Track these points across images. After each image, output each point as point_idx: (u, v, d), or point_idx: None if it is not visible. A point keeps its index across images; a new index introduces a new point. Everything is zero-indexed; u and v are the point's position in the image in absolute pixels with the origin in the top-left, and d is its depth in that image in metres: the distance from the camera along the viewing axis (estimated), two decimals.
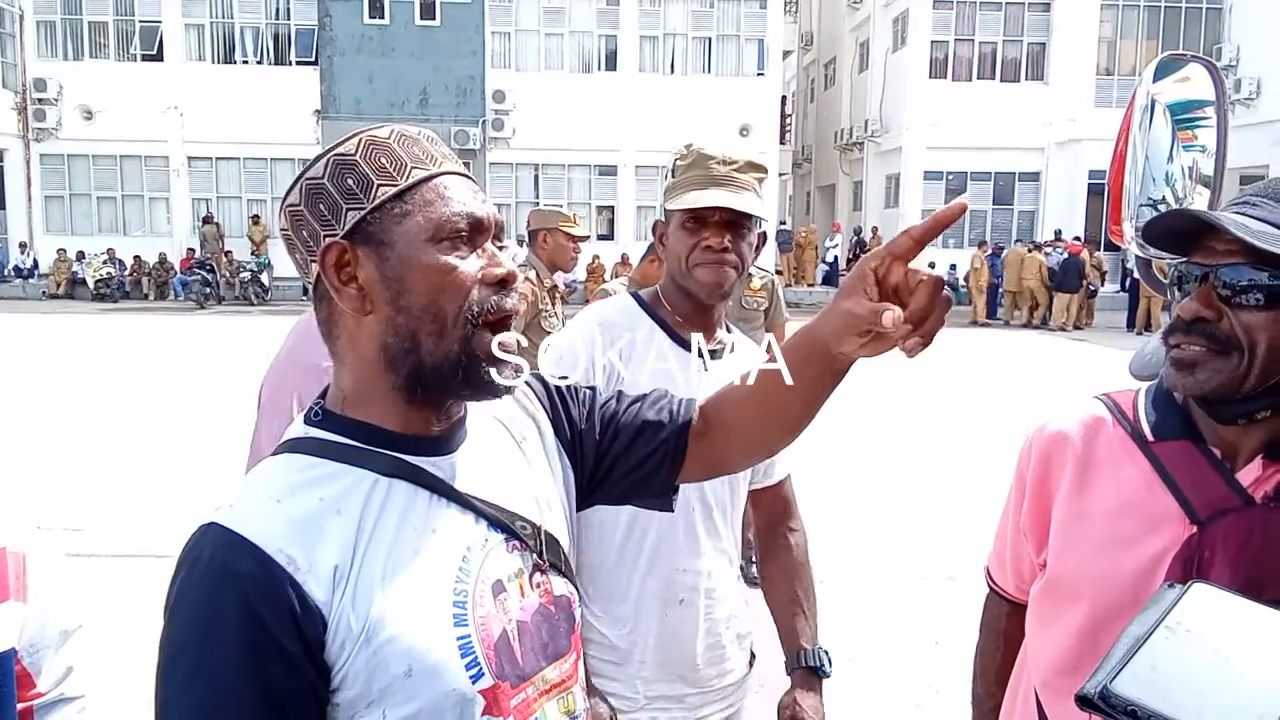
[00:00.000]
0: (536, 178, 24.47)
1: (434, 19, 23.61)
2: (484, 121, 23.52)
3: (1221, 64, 20.73)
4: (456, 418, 1.07)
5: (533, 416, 1.20)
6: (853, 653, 4.18)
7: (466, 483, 1.04)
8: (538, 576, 1.08)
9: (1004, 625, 1.51)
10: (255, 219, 23.75)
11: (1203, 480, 1.17)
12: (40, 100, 23.41)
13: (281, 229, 1.04)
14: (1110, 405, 1.30)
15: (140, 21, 23.75)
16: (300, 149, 23.82)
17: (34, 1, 23.46)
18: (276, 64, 24.14)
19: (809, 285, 24.77)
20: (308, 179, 1.00)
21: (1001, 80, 24.29)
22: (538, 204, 17.88)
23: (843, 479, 7.05)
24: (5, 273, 23.53)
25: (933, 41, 24.18)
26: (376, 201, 0.97)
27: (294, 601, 0.89)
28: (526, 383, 1.21)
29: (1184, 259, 1.18)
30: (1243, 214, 1.12)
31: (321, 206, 0.99)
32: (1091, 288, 19.61)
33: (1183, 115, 1.70)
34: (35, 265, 23.61)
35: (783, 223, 27.13)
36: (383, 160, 0.98)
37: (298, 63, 24.04)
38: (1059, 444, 1.31)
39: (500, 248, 1.04)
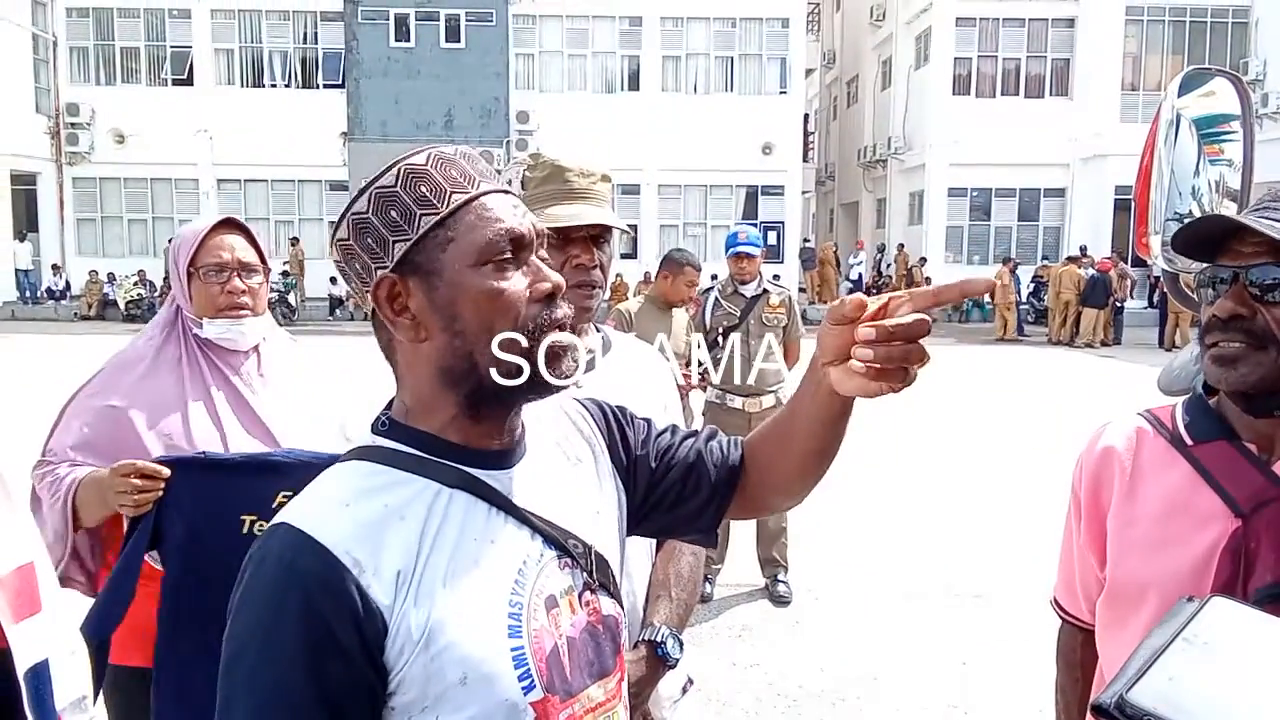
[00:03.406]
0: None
1: (459, 41, 23.85)
2: (508, 142, 23.69)
3: (1248, 78, 20.57)
4: (517, 434, 1.09)
5: (589, 440, 1.22)
6: (877, 671, 4.14)
7: (524, 498, 1.06)
8: (587, 595, 1.09)
9: (1080, 656, 1.51)
10: (294, 240, 23.97)
11: (1242, 475, 1.23)
12: (73, 124, 23.84)
13: (335, 261, 1.07)
14: (1150, 418, 1.36)
15: (171, 47, 24.19)
16: (327, 171, 24.14)
17: (67, 28, 23.95)
18: (304, 87, 24.47)
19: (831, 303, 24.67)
20: (354, 213, 1.02)
21: (1025, 96, 24.20)
22: None
23: (870, 495, 7.02)
24: (38, 294, 23.89)
25: (956, 58, 24.14)
26: (420, 232, 0.99)
27: (357, 602, 0.92)
28: (584, 406, 1.25)
29: (1210, 264, 1.24)
30: (1266, 218, 1.18)
31: (369, 240, 1.01)
32: (1118, 304, 19.41)
33: (1209, 130, 1.69)
34: (67, 287, 23.96)
35: (806, 240, 27.09)
36: (422, 189, 1.00)
37: (325, 86, 24.36)
38: (1106, 460, 1.36)
39: (543, 259, 1.05)
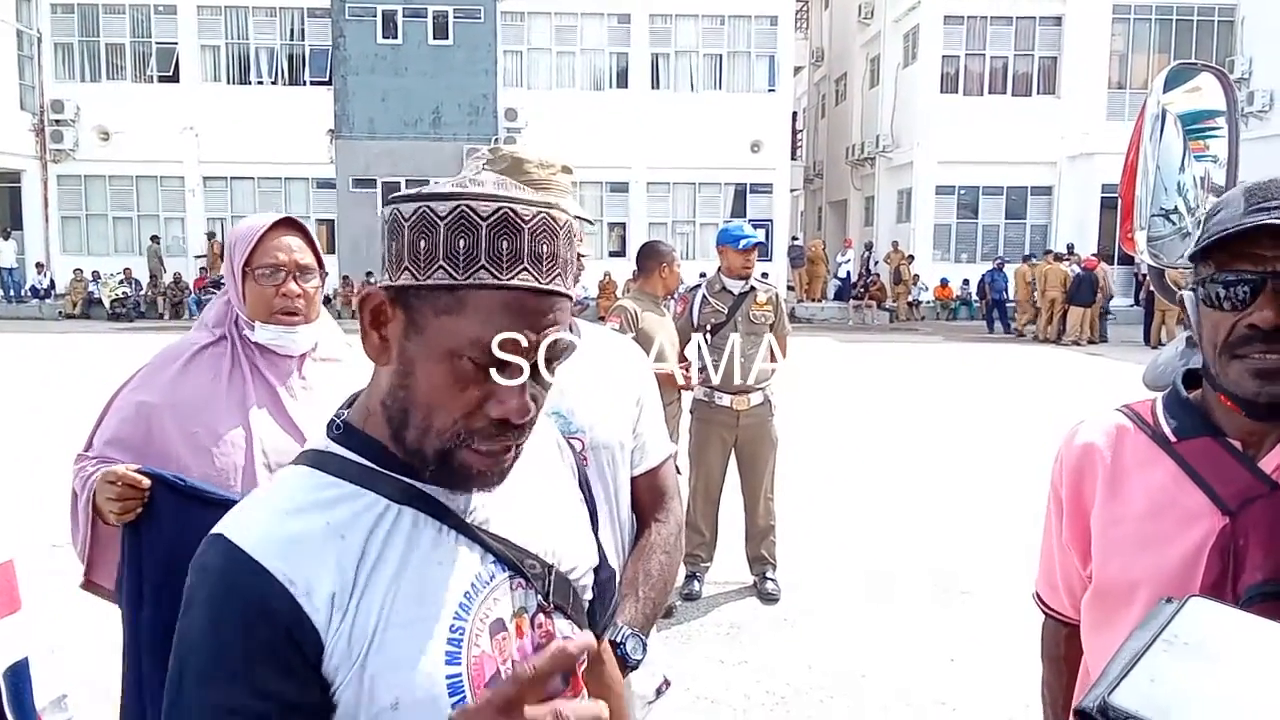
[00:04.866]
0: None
1: (446, 38, 23.78)
2: (496, 139, 23.60)
3: (1234, 77, 20.66)
4: None
5: (569, 467, 1.22)
6: (865, 668, 4.15)
7: (479, 515, 1.03)
8: (539, 617, 1.06)
9: (1063, 650, 1.51)
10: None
11: (1228, 472, 1.21)
12: (57, 121, 23.66)
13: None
14: (1130, 414, 1.34)
15: (157, 43, 24.03)
16: (314, 168, 24.04)
17: (51, 24, 23.77)
18: (291, 84, 24.35)
19: (820, 300, 24.74)
20: (397, 209, 0.95)
21: (1013, 94, 24.26)
22: None
23: (857, 492, 7.03)
24: (22, 293, 23.73)
25: (944, 56, 24.18)
26: (428, 281, 0.92)
27: (291, 619, 0.90)
28: (569, 445, 1.25)
29: (1213, 268, 1.18)
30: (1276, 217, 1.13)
31: (393, 245, 0.94)
32: (1107, 300, 19.50)
33: (1194, 125, 1.69)
34: (52, 285, 23.82)
35: (794, 238, 27.12)
36: (460, 243, 0.91)
37: (312, 83, 24.25)
38: (1087, 455, 1.34)
39: (553, 367, 0.97)
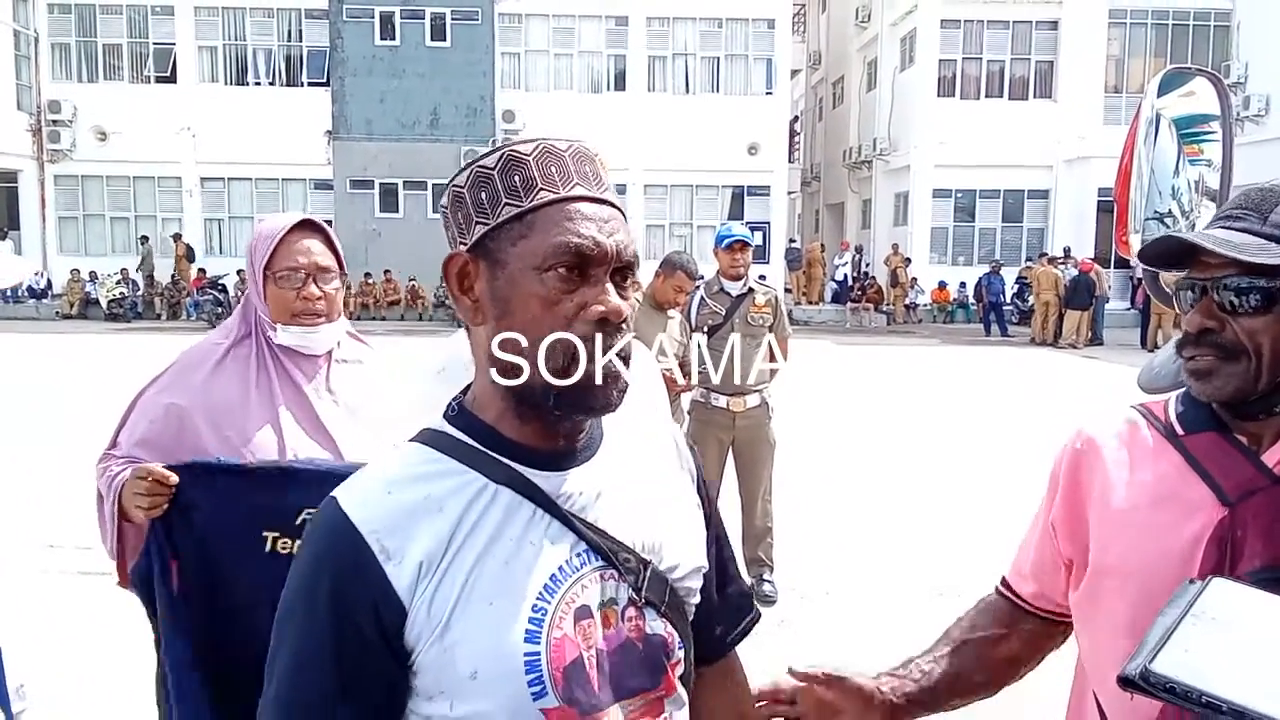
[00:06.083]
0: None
1: (444, 40, 23.79)
2: (494, 141, 23.61)
3: (1230, 81, 20.71)
4: (581, 438, 1.08)
5: (688, 472, 1.22)
6: (862, 669, 4.15)
7: (576, 502, 1.05)
8: (630, 611, 1.07)
9: (994, 615, 1.54)
10: None
11: (1231, 465, 1.23)
12: (55, 122, 23.65)
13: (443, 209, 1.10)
14: (1143, 411, 1.37)
15: (154, 44, 24.03)
16: (312, 169, 24.03)
17: (49, 24, 23.76)
18: (288, 85, 24.36)
19: (817, 303, 24.76)
20: (455, 185, 1.05)
21: (1010, 98, 24.32)
22: None
23: (854, 495, 7.04)
24: (19, 293, 23.67)
25: (940, 60, 24.24)
26: (498, 220, 1.00)
27: (377, 588, 0.97)
28: (692, 451, 1.25)
29: (1184, 273, 1.25)
30: (1227, 227, 1.19)
31: (459, 215, 1.04)
32: (1102, 303, 19.54)
33: (1188, 130, 1.70)
34: (49, 286, 23.78)
35: (792, 240, 27.15)
36: (515, 179, 1.00)
37: (309, 84, 24.25)
38: (1093, 446, 1.37)
39: (626, 283, 1.03)
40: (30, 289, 23.60)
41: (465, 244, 1.03)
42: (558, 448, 1.06)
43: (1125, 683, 0.97)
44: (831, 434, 9.48)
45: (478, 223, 1.02)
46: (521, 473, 1.03)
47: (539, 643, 1.00)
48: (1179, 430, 1.30)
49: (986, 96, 24.39)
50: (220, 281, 22.67)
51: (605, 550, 1.05)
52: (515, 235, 1.00)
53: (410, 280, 23.48)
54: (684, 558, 1.14)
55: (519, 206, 1.00)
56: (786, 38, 25.26)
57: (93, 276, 23.22)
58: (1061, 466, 1.41)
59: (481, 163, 1.03)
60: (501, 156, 1.02)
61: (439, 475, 1.02)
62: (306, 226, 2.10)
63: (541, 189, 1.00)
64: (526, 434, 1.04)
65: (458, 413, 1.08)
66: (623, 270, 1.02)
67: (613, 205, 1.04)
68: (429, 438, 1.07)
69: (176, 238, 23.55)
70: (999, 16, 24.05)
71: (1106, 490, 1.34)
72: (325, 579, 0.98)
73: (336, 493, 1.02)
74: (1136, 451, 1.33)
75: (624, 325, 1.01)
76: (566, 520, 1.04)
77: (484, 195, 1.01)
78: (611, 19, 24.31)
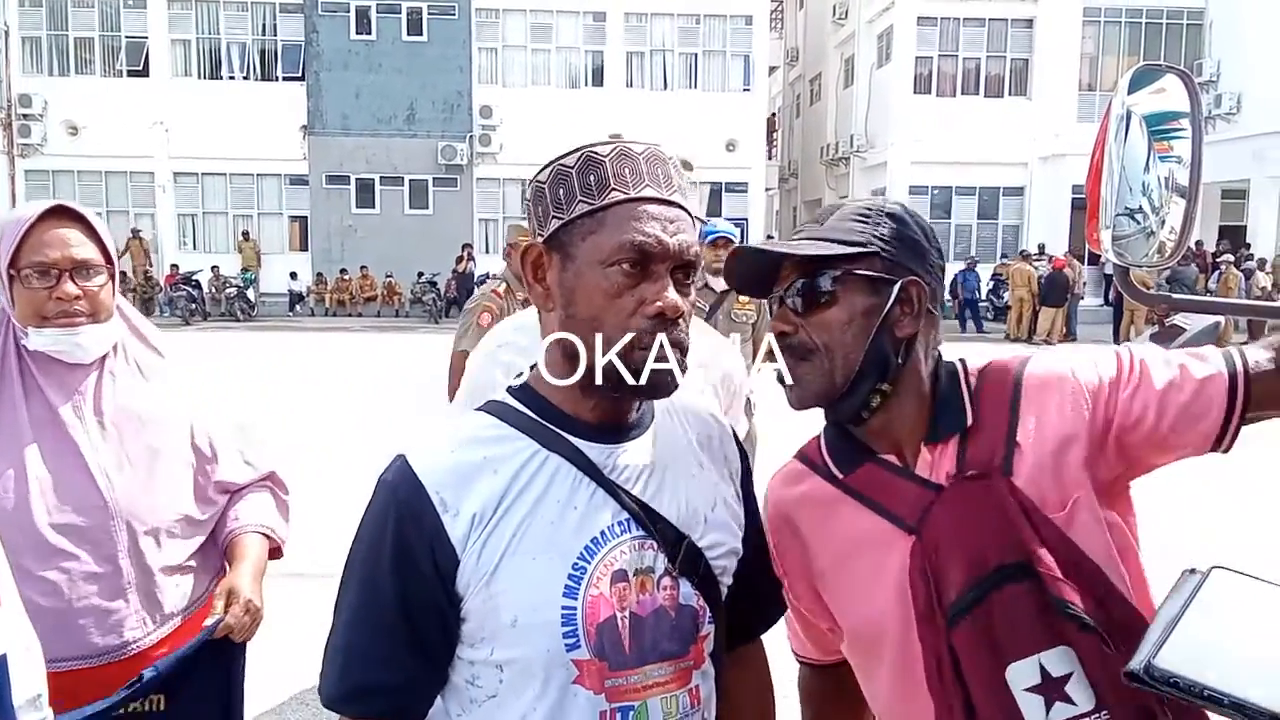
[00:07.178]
0: (523, 192, 24.51)
1: (421, 35, 23.67)
2: (471, 137, 23.56)
3: (1202, 79, 20.96)
4: (631, 415, 1.17)
5: (729, 461, 1.29)
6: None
7: (622, 474, 1.15)
8: (665, 580, 1.15)
9: (814, 689, 1.53)
10: (245, 235, 23.70)
11: (895, 491, 1.23)
12: (25, 116, 23.32)
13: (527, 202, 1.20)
14: (804, 460, 1.36)
15: (126, 37, 23.74)
16: (287, 164, 23.85)
17: (19, 17, 23.41)
18: (263, 79, 24.14)
19: None
20: (536, 180, 1.14)
21: (985, 96, 24.47)
22: (525, 219, 17.90)
23: None
24: None
25: (917, 57, 24.34)
26: (572, 215, 1.09)
27: (434, 534, 1.08)
28: (739, 443, 1.32)
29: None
30: (795, 238, 1.26)
31: (539, 208, 1.14)
32: (1076, 300, 19.72)
33: (1158, 126, 1.71)
34: None
35: (769, 237, 27.23)
36: (590, 178, 1.09)
37: (284, 78, 24.06)
38: (781, 514, 1.35)
39: (688, 281, 1.11)
40: None
41: (542, 236, 1.12)
42: (609, 423, 1.15)
43: (1130, 677, 0.98)
44: (812, 428, 9.50)
45: (553, 217, 1.11)
46: (573, 443, 1.13)
47: (576, 598, 1.09)
48: (838, 474, 1.29)
49: (962, 94, 24.53)
50: (194, 278, 22.46)
51: (645, 521, 1.13)
52: (586, 230, 1.09)
53: (387, 276, 23.37)
54: (719, 538, 1.20)
55: (591, 204, 1.08)
56: (764, 34, 25.33)
57: None
58: (770, 542, 1.36)
59: (562, 160, 1.12)
60: (581, 156, 1.10)
61: (497, 440, 1.13)
62: (61, 214, 1.73)
63: (614, 188, 1.08)
64: (582, 409, 1.14)
65: (521, 388, 1.18)
66: (685, 268, 1.10)
67: (680, 206, 1.11)
68: (494, 408, 1.18)
69: (135, 234, 23.10)
70: (975, 14, 24.19)
71: (809, 558, 1.32)
72: (391, 521, 1.09)
73: (406, 449, 1.13)
74: (815, 509, 1.31)
75: (680, 319, 1.10)
76: (611, 489, 1.13)
77: (561, 191, 1.10)
78: (589, 14, 24.27)
